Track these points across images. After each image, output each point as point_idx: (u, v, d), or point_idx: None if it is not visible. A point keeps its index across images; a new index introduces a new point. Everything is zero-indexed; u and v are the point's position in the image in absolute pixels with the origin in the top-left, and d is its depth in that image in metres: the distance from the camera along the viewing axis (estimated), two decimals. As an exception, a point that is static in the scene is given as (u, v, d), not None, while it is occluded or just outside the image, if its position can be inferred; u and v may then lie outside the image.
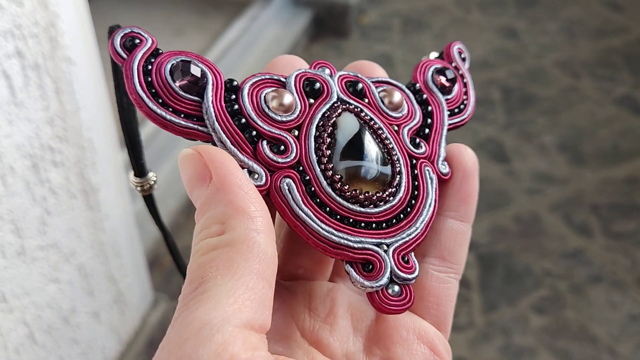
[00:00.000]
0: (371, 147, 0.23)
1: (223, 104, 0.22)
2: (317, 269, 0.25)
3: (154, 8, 1.78)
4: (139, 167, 0.27)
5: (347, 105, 0.24)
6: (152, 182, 0.28)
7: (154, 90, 0.21)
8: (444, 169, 0.25)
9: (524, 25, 1.88)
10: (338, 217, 0.22)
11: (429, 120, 0.25)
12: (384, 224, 0.22)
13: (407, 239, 0.23)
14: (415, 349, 0.22)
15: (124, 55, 0.22)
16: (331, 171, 0.22)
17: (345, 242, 0.21)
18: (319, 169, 0.22)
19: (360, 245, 0.22)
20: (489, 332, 1.06)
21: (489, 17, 1.92)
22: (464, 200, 0.24)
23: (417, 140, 0.25)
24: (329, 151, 0.22)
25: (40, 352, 0.67)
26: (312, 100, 0.23)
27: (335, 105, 0.23)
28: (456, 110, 0.26)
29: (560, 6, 1.97)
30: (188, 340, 0.16)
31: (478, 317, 1.09)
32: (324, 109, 0.23)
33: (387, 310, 0.21)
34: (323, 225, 0.21)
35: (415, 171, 0.24)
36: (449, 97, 0.26)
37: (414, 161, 0.24)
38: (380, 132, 0.24)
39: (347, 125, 0.23)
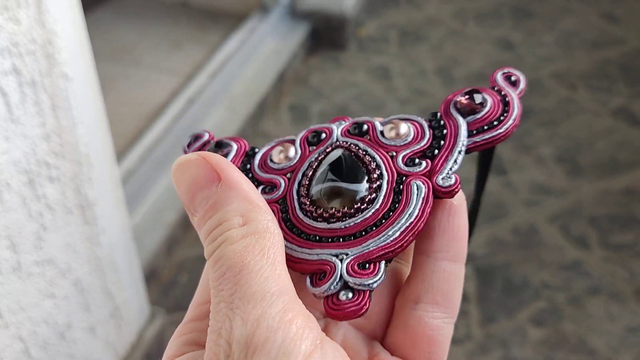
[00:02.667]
0: (346, 169, 0.24)
1: (237, 165, 0.26)
2: (311, 303, 0.25)
3: (152, 22, 1.78)
4: None
5: (341, 142, 0.26)
6: None
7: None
8: (445, 181, 0.24)
9: (520, 37, 1.89)
10: (303, 235, 0.24)
11: (442, 142, 0.25)
12: (350, 237, 0.23)
13: (374, 247, 0.23)
14: None
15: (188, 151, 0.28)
16: (304, 196, 0.24)
17: (304, 255, 0.23)
18: (296, 198, 0.25)
19: (316, 257, 0.23)
20: (487, 345, 1.06)
21: (485, 29, 1.93)
22: (453, 239, 0.24)
23: (417, 160, 0.25)
24: (307, 182, 0.25)
25: (36, 368, 0.66)
26: (313, 147, 0.26)
27: (331, 144, 0.26)
28: (486, 127, 0.26)
29: (556, 18, 1.98)
30: (255, 305, 0.19)
31: (476, 330, 1.08)
32: (319, 150, 0.26)
33: (333, 314, 0.22)
34: (287, 244, 0.24)
35: (402, 186, 0.24)
36: (476, 116, 0.26)
37: (404, 178, 0.24)
38: (367, 157, 0.25)
39: (331, 156, 0.25)
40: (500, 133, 0.26)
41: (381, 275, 0.22)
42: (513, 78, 0.28)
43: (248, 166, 0.27)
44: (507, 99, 0.27)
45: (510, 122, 0.26)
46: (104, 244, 0.74)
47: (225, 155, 0.26)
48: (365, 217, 0.23)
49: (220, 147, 0.27)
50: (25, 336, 0.64)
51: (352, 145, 0.25)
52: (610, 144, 1.48)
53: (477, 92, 0.27)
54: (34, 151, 0.58)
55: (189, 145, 0.27)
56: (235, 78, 1.57)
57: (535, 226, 1.27)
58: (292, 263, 0.23)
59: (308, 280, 0.23)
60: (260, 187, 0.26)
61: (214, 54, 1.59)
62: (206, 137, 0.27)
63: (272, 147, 0.27)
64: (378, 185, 0.24)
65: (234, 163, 0.26)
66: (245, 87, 1.56)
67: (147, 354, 0.89)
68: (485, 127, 0.26)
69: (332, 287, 0.22)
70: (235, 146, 0.27)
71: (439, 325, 0.23)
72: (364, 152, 0.25)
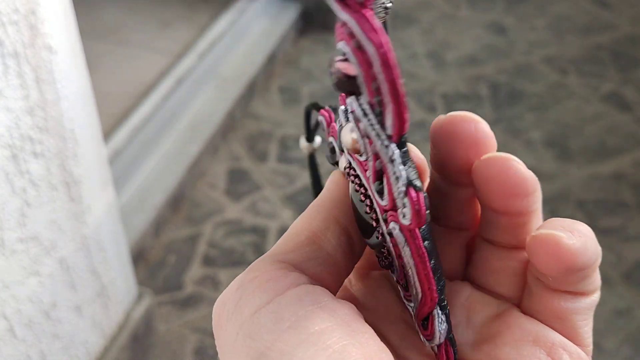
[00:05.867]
0: (358, 220, 0.21)
1: None
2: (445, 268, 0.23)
3: (140, 0, 1.76)
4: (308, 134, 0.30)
5: (347, 166, 0.22)
6: (316, 147, 0.32)
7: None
8: (403, 219, 0.18)
9: (512, 21, 1.88)
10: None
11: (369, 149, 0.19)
12: (405, 287, 0.21)
13: (415, 305, 0.21)
14: (527, 351, 0.20)
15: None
16: None
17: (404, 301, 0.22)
18: None
19: (406, 304, 0.22)
20: (475, 327, 1.06)
21: (477, 13, 1.92)
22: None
23: (379, 183, 0.19)
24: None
25: (20, 346, 0.65)
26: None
27: (345, 167, 0.22)
28: (378, 104, 0.17)
29: (548, 3, 1.97)
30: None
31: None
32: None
33: None
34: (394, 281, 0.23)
35: (387, 228, 0.20)
36: (362, 90, 0.17)
37: (385, 215, 0.19)
38: (361, 191, 0.20)
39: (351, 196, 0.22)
40: (394, 110, 0.16)
41: (439, 331, 0.20)
42: None
43: None
44: (357, 39, 0.16)
45: (383, 86, 0.16)
46: (89, 222, 0.73)
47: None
48: (397, 270, 0.21)
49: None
50: (10, 314, 0.63)
51: (352, 176, 0.21)
52: (600, 129, 1.49)
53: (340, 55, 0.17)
54: (18, 125, 0.57)
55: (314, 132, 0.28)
56: (225, 59, 1.55)
57: (524, 210, 1.27)
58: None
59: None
60: None
61: (204, 33, 1.57)
62: (323, 123, 0.25)
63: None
64: (380, 232, 0.21)
65: None
66: (234, 68, 1.54)
67: (134, 334, 0.88)
68: (379, 108, 0.17)
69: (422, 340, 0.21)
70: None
71: (565, 296, 0.21)
72: (359, 183, 0.21)
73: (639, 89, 1.61)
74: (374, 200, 0.20)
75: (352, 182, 0.21)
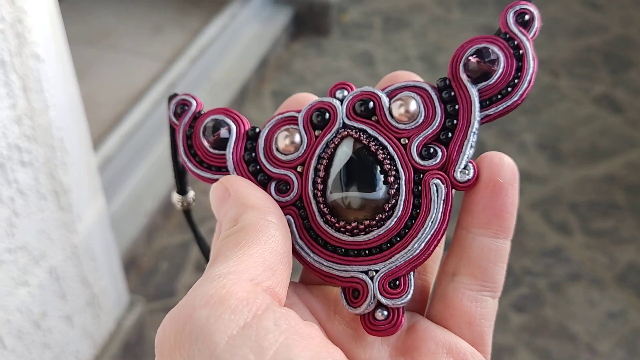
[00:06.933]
0: (362, 174, 0.23)
1: (242, 154, 0.25)
2: None
3: (132, 5, 1.75)
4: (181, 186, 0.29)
5: (349, 130, 0.24)
6: (191, 201, 0.30)
7: (193, 151, 0.25)
8: (463, 176, 0.23)
9: (504, 24, 1.89)
10: (329, 247, 0.24)
11: (455, 121, 0.24)
12: (376, 250, 0.23)
13: (399, 262, 0.22)
14: None
15: (176, 122, 0.26)
16: (323, 204, 0.24)
17: (333, 271, 0.23)
18: (314, 203, 0.24)
19: (346, 274, 0.23)
20: (469, 331, 1.06)
21: (469, 16, 1.93)
22: (495, 216, 0.22)
23: (432, 149, 0.23)
24: (322, 185, 0.24)
25: (10, 357, 0.65)
26: (318, 132, 0.24)
27: (338, 132, 0.24)
28: (500, 95, 0.23)
29: (539, 5, 1.96)
30: (194, 288, 0.18)
31: (458, 316, 1.08)
32: (326, 139, 0.24)
33: (371, 333, 0.22)
34: (313, 256, 0.23)
35: (420, 187, 0.23)
36: (488, 82, 0.24)
37: (421, 175, 0.23)
38: (380, 152, 0.23)
39: (341, 154, 0.24)
40: (515, 101, 0.23)
41: (411, 290, 0.22)
42: (526, 17, 0.25)
43: (253, 154, 0.25)
44: (520, 51, 0.24)
45: (524, 85, 0.23)
46: (79, 231, 0.72)
47: (225, 140, 0.25)
48: (388, 227, 0.23)
49: (214, 131, 0.25)
50: (-2, 325, 0.62)
51: (361, 135, 0.24)
52: (592, 131, 1.49)
53: (487, 48, 0.24)
54: (5, 134, 0.56)
55: (176, 115, 0.26)
56: (217, 63, 1.55)
57: (517, 213, 1.27)
58: (323, 276, 0.23)
59: (343, 298, 0.23)
60: (273, 184, 0.24)
61: (195, 38, 1.56)
62: (194, 106, 0.26)
63: (275, 129, 0.25)
64: (396, 189, 0.23)
65: (235, 149, 0.25)
66: (226, 72, 1.54)
67: (126, 342, 0.87)
68: (499, 96, 0.24)
69: (368, 308, 0.22)
70: (234, 127, 0.25)
71: (476, 297, 0.22)
72: (376, 144, 0.24)
73: (631, 90, 1.62)
74: (402, 162, 0.23)
75: (366, 147, 0.23)
